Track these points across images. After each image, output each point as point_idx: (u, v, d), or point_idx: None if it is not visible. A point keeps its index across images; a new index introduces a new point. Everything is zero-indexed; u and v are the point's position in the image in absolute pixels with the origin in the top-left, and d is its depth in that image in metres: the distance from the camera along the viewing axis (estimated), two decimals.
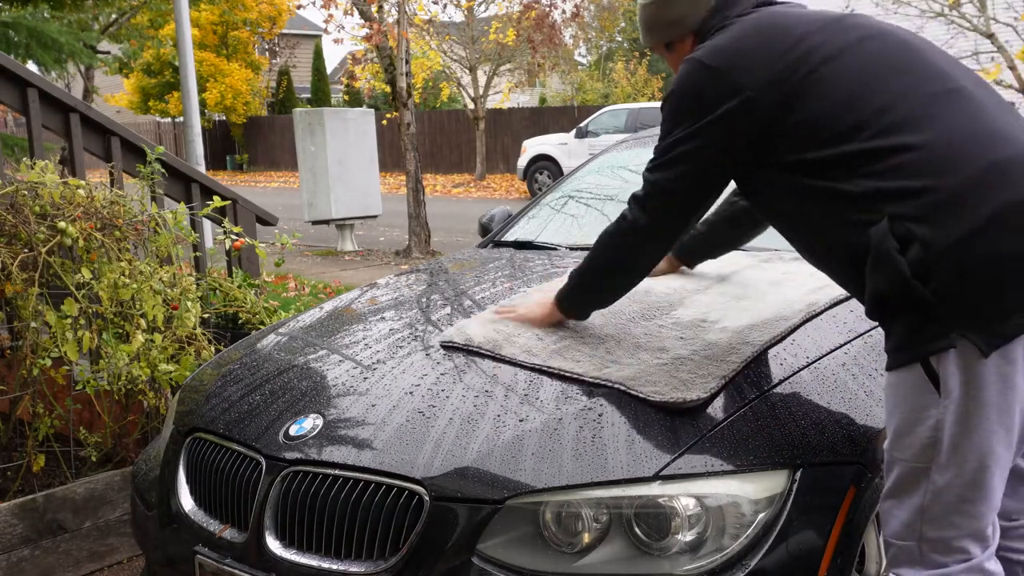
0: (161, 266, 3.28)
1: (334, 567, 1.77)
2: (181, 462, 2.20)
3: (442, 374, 2.08)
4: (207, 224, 6.02)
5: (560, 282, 2.24)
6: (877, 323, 1.69)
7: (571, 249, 3.05)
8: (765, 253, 2.71)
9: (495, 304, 2.47)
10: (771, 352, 2.03)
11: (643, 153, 3.59)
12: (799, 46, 1.76)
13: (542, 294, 2.30)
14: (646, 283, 2.44)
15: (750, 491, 1.69)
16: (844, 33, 1.79)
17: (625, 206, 2.00)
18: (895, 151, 1.62)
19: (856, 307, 2.24)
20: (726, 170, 1.88)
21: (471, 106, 23.28)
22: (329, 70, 36.72)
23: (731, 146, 1.82)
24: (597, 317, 2.24)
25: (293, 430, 1.96)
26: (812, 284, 2.35)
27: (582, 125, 18.09)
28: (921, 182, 1.58)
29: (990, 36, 8.60)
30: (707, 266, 2.62)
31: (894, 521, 1.71)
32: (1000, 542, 1.75)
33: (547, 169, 18.09)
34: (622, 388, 1.88)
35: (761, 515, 1.68)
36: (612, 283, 2.11)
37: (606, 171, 3.52)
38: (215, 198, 3.70)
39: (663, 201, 1.92)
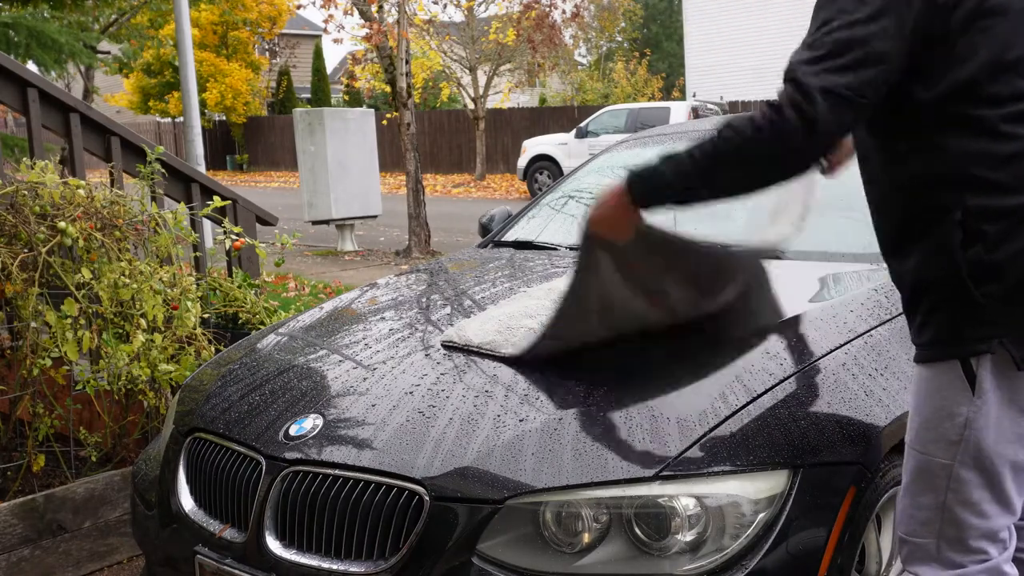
0: (161, 266, 3.28)
1: (334, 567, 1.77)
2: (181, 462, 2.20)
3: (442, 374, 2.08)
4: (207, 224, 6.01)
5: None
6: (893, 316, 1.63)
7: (571, 249, 3.04)
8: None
9: (495, 304, 2.47)
10: (771, 352, 2.03)
11: (643, 153, 3.61)
12: None
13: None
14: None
15: (750, 491, 1.69)
16: None
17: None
18: (1011, 140, 1.52)
19: (856, 307, 2.24)
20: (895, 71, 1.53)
21: (471, 106, 23.26)
22: (329, 70, 36.70)
23: (911, 43, 1.51)
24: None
25: (293, 430, 1.96)
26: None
27: (582, 125, 18.08)
28: (1018, 182, 1.51)
29: None
30: None
31: (911, 519, 1.69)
32: (1017, 543, 1.74)
33: (547, 169, 18.08)
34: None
35: (761, 515, 1.68)
36: (717, 184, 1.64)
37: (606, 171, 3.52)
38: (215, 198, 3.70)
39: (832, 103, 1.49)
